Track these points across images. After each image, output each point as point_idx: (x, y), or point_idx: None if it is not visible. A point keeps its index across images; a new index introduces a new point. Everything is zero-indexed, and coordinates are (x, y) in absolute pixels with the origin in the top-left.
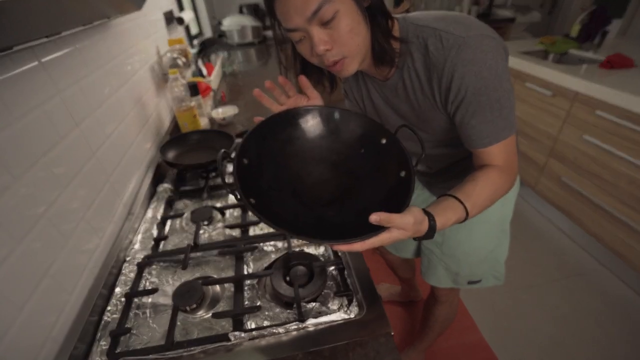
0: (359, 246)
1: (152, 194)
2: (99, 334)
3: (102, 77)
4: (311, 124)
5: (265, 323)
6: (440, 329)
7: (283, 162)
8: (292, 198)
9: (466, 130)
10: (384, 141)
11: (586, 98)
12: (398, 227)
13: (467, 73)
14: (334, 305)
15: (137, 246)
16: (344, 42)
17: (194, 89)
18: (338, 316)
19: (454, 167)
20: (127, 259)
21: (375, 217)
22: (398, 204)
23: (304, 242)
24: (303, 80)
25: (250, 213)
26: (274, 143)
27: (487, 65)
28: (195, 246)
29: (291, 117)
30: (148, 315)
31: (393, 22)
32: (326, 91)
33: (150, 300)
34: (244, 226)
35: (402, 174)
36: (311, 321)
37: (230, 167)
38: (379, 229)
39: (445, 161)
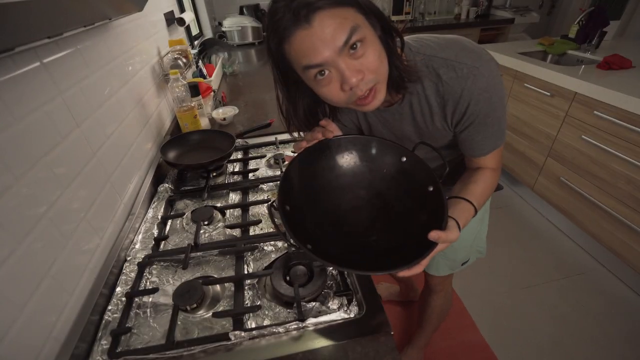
0: (418, 268)
1: (152, 193)
2: (99, 334)
3: (103, 77)
4: (340, 155)
5: (266, 322)
6: (436, 321)
7: (318, 197)
8: (334, 231)
9: (470, 145)
10: (404, 159)
11: (585, 99)
12: (449, 242)
13: (481, 100)
14: (333, 304)
15: (137, 246)
16: (375, 68)
17: (194, 90)
18: (338, 316)
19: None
20: (128, 258)
21: (434, 235)
22: (437, 219)
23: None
24: (326, 122)
25: (250, 213)
26: (307, 180)
27: (496, 90)
28: (196, 246)
29: (320, 150)
30: (149, 314)
31: (403, 49)
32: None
33: (150, 299)
34: (244, 226)
35: (430, 188)
36: (311, 321)
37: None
38: (427, 247)
39: (438, 161)
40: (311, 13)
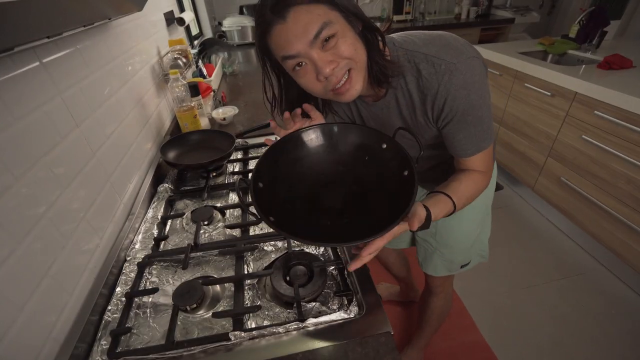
0: (380, 241)
1: (152, 194)
2: (99, 334)
3: (102, 77)
4: (315, 141)
5: (266, 323)
6: (437, 322)
7: (295, 180)
8: (308, 211)
9: (452, 143)
10: (384, 146)
11: (585, 98)
12: (413, 225)
13: (458, 96)
14: (333, 304)
15: (137, 246)
16: (349, 54)
17: (194, 90)
18: (338, 316)
19: (437, 167)
20: (128, 258)
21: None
22: (406, 200)
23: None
24: (306, 106)
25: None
26: (285, 163)
27: (475, 87)
28: (196, 246)
29: (296, 137)
30: (148, 314)
31: (385, 44)
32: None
33: (150, 299)
34: (244, 226)
35: (405, 172)
36: (311, 321)
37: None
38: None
39: (430, 162)
40: (286, 9)
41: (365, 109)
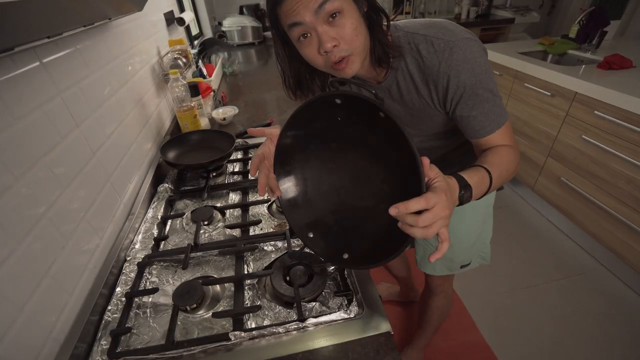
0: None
1: (152, 194)
2: (99, 334)
3: (102, 77)
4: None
5: (266, 322)
6: (437, 322)
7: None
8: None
9: (469, 123)
10: (338, 101)
11: (585, 98)
12: (427, 206)
13: (462, 71)
14: (334, 304)
15: (137, 246)
16: (350, 39)
17: (194, 90)
18: (338, 316)
19: (444, 159)
20: (128, 258)
21: (393, 211)
22: (414, 183)
23: (303, 242)
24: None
25: (250, 213)
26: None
27: (477, 62)
28: (196, 246)
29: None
30: (148, 314)
31: (389, 26)
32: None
33: (150, 299)
34: (244, 226)
35: (381, 114)
36: (311, 321)
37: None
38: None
39: (437, 153)
40: None
41: (368, 92)
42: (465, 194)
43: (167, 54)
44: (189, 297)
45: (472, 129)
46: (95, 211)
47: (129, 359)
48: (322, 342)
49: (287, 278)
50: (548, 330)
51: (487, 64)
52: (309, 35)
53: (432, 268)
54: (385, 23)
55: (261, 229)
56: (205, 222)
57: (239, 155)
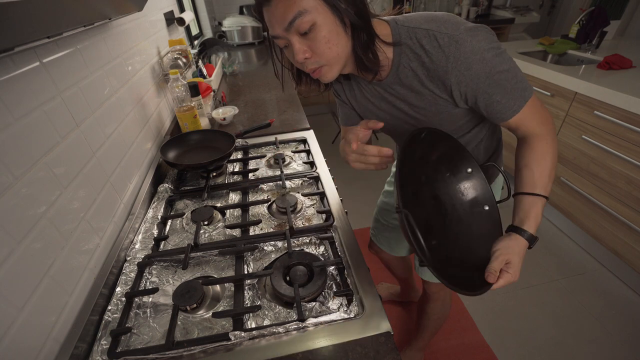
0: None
1: (152, 194)
2: (99, 334)
3: (102, 77)
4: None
5: (266, 322)
6: (434, 327)
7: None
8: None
9: (493, 109)
10: (469, 170)
11: (585, 98)
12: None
13: (472, 63)
14: (334, 304)
15: (137, 246)
16: (322, 52)
17: (194, 90)
18: (338, 316)
19: None
20: (128, 258)
21: (492, 280)
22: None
23: (304, 241)
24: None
25: (250, 213)
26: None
27: (486, 49)
28: (196, 246)
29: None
30: (148, 314)
31: (373, 41)
32: (320, 91)
33: (150, 299)
34: (244, 226)
35: (486, 207)
36: (311, 321)
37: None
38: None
39: None
40: None
41: (371, 89)
42: (532, 244)
43: (167, 54)
44: (189, 297)
45: (499, 113)
46: (95, 211)
47: (129, 359)
48: (322, 342)
49: (287, 278)
50: (548, 330)
51: (496, 45)
52: (288, 44)
53: (430, 275)
54: (367, 38)
55: (261, 229)
56: (205, 222)
57: (239, 155)
